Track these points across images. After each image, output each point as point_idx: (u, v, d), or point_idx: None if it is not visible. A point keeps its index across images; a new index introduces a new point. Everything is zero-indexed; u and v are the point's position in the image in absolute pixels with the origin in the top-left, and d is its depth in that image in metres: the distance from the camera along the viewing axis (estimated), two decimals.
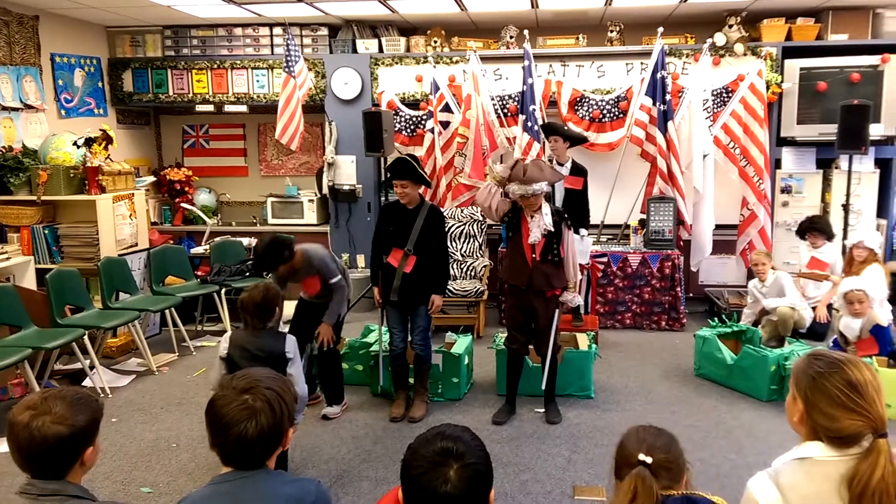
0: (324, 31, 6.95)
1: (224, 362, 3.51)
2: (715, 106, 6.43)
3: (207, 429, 1.78)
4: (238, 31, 7.00)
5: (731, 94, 6.41)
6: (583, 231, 5.59)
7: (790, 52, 6.41)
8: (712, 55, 6.36)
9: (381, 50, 6.93)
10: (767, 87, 6.31)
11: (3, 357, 4.23)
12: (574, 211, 5.50)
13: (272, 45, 7.00)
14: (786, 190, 6.57)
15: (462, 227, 6.54)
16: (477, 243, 6.54)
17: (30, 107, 5.91)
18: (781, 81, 6.37)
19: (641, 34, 6.66)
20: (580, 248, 5.56)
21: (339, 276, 4.27)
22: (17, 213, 5.61)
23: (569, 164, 5.60)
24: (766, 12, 6.45)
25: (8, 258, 5.34)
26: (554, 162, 5.55)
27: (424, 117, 6.79)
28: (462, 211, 6.59)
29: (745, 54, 6.39)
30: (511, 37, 6.74)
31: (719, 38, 6.39)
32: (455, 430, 1.49)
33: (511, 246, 4.31)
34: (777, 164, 6.58)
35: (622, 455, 1.78)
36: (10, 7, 5.69)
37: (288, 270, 4.12)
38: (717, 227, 6.40)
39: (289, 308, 4.40)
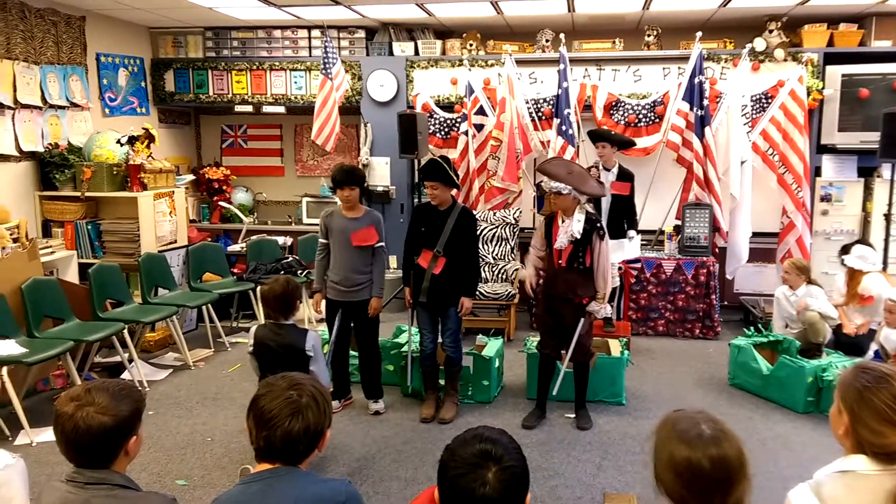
0: (361, 34, 7.02)
1: (253, 357, 3.64)
2: (754, 112, 6.34)
3: (251, 423, 1.81)
4: (277, 33, 7.10)
5: (770, 100, 6.32)
6: (631, 233, 5.59)
7: (832, 59, 6.29)
8: (752, 60, 6.27)
9: (416, 53, 6.97)
10: (808, 94, 6.20)
11: (47, 349, 4.35)
12: (621, 215, 5.49)
13: (310, 48, 7.08)
14: (825, 198, 6.45)
15: (494, 230, 6.54)
16: (509, 246, 6.54)
17: (75, 105, 6.07)
18: (822, 88, 6.26)
19: (679, 39, 6.60)
20: (629, 246, 5.54)
21: (384, 244, 4.51)
22: (61, 209, 5.76)
23: (615, 170, 5.59)
24: (808, 17, 6.35)
25: (52, 252, 5.49)
26: (600, 167, 5.54)
27: (459, 120, 6.81)
28: (494, 214, 6.59)
29: (785, 60, 6.29)
30: (547, 40, 6.74)
31: (759, 44, 6.30)
32: (493, 432, 1.50)
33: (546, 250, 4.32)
34: (817, 171, 6.46)
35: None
36: (59, 8, 5.86)
37: (352, 198, 4.35)
38: (755, 234, 6.31)
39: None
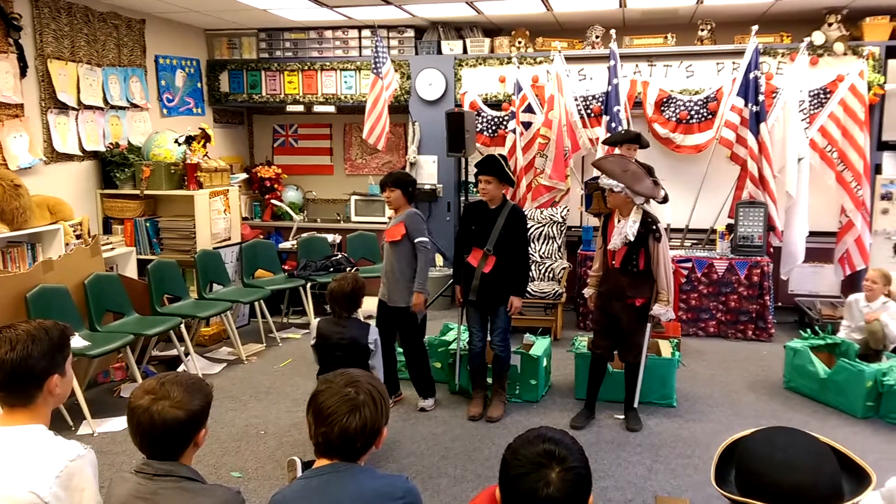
0: (410, 33, 7.06)
1: (315, 350, 3.75)
2: (812, 107, 6.16)
3: (310, 419, 1.83)
4: (328, 33, 7.20)
5: (829, 96, 6.13)
6: None
7: (894, 52, 6.07)
8: (810, 54, 6.09)
9: (465, 51, 6.98)
10: (869, 89, 6.00)
11: (109, 342, 4.49)
12: None
13: (360, 47, 7.16)
14: (886, 197, 6.23)
15: (541, 229, 6.51)
16: (556, 245, 6.50)
17: (135, 106, 6.26)
18: (884, 82, 6.04)
19: (734, 33, 6.46)
20: None
21: (426, 238, 4.44)
22: (121, 207, 5.95)
23: None
24: (869, 10, 6.13)
25: (113, 248, 5.69)
26: None
27: (506, 118, 6.80)
28: (541, 212, 6.56)
29: (845, 54, 6.10)
30: (597, 36, 6.67)
31: (818, 37, 6.12)
32: (555, 432, 1.49)
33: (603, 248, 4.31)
34: (877, 169, 6.25)
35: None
36: (120, 11, 6.05)
37: (391, 199, 4.50)
38: (811, 234, 6.15)
39: (369, 303, 4.59)
